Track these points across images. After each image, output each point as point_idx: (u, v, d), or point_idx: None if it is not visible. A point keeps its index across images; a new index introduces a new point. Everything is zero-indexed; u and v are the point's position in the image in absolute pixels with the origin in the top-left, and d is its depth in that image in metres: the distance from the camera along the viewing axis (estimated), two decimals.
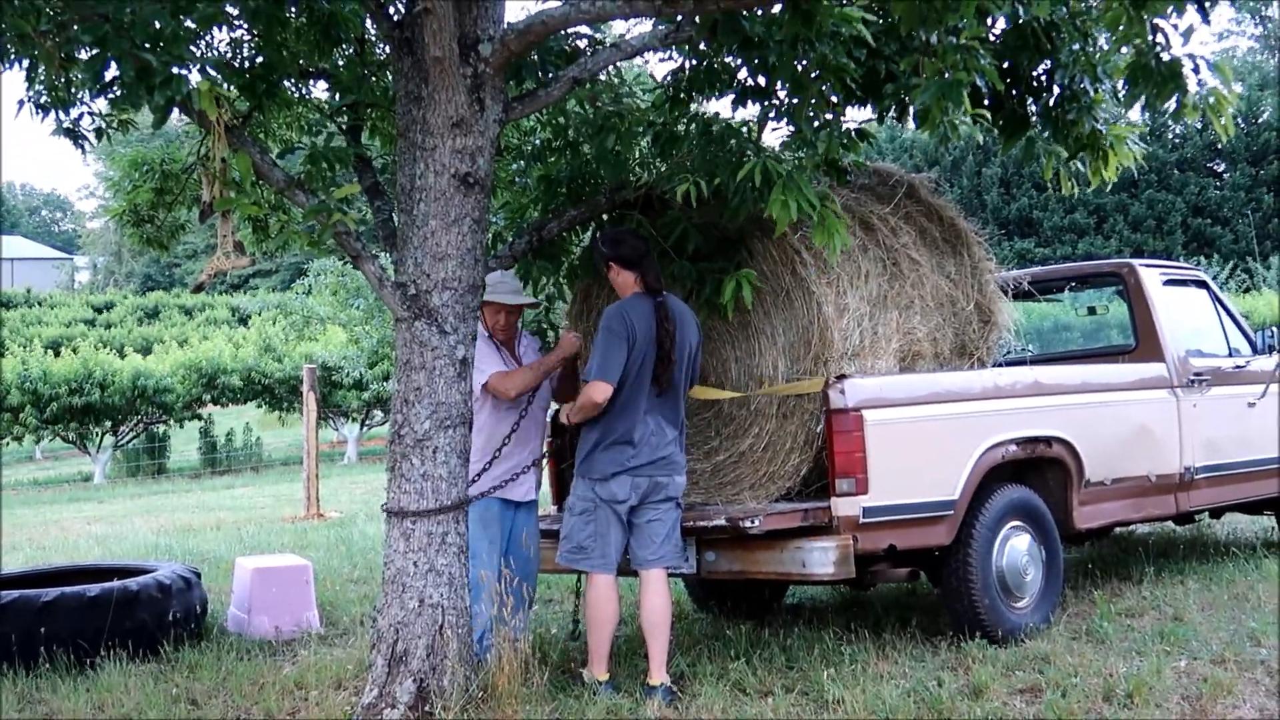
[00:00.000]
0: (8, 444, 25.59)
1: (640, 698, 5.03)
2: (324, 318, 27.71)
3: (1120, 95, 5.65)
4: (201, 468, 26.34)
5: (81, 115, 5.44)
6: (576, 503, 5.33)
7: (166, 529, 13.15)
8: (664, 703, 4.97)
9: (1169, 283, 7.44)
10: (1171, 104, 5.19)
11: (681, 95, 5.76)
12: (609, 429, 5.23)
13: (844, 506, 5.34)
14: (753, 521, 5.20)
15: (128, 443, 26.13)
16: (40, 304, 51.84)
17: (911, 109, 5.47)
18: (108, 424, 25.20)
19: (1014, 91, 5.76)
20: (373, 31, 5.91)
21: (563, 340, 5.72)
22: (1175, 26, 5.02)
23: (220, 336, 35.25)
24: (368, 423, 27.41)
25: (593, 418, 5.26)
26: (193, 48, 4.73)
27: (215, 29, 5.22)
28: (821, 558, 5.29)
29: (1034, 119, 5.86)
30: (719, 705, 4.92)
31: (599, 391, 5.16)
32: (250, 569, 7.16)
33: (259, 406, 29.26)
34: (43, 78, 5.00)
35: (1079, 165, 6.07)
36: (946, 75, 4.60)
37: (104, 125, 5.62)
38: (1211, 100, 5.32)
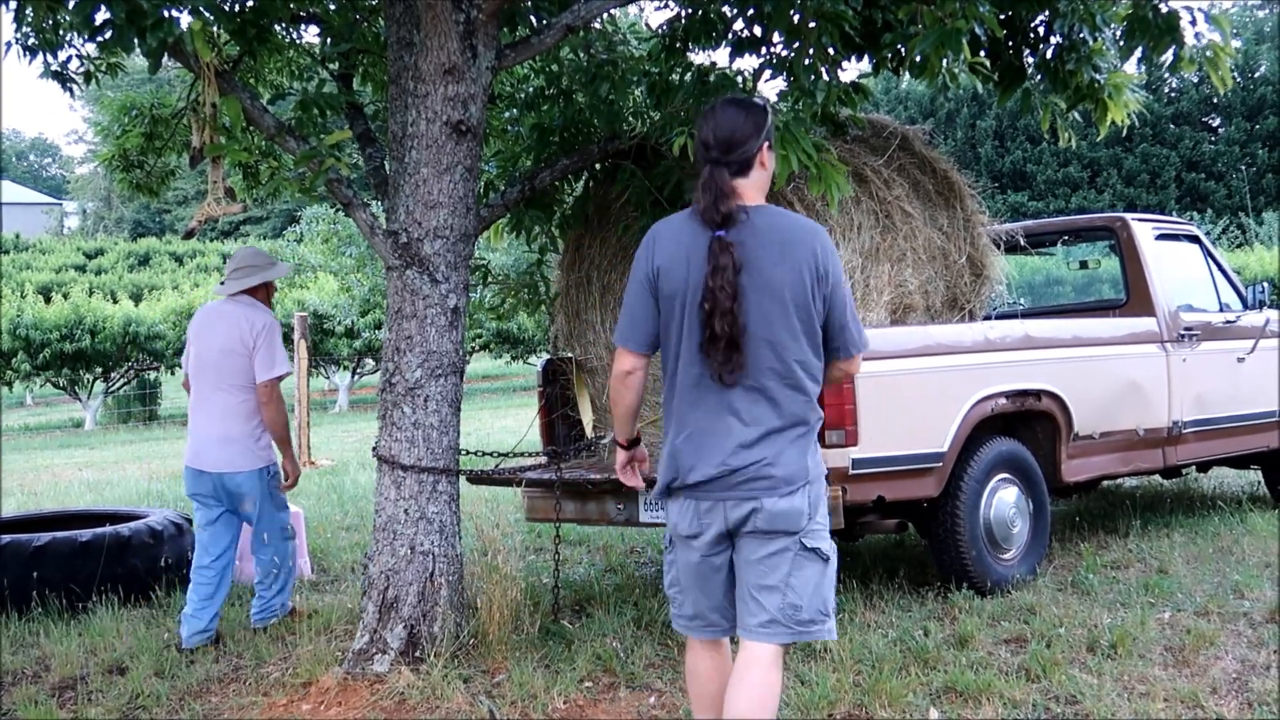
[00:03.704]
0: None
1: (630, 641, 5.05)
2: (315, 265, 27.65)
3: (1119, 45, 5.61)
4: None
5: (70, 58, 5.39)
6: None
7: (158, 475, 13.18)
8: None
9: (1161, 237, 7.44)
10: (1169, 56, 5.16)
11: (677, 45, 5.71)
12: (665, 418, 3.52)
13: (833, 458, 5.35)
14: None
15: (119, 389, 26.13)
16: (30, 249, 51.55)
17: (909, 59, 5.43)
18: (99, 370, 25.18)
19: (1010, 43, 5.71)
20: None
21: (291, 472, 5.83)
22: None
23: (212, 283, 35.10)
24: (359, 371, 27.43)
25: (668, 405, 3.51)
26: None
27: None
28: None
29: (1031, 70, 5.82)
30: None
31: (618, 361, 3.51)
32: None
33: None
34: (30, 19, 4.93)
35: (1077, 116, 6.03)
36: (945, 23, 4.55)
37: (93, 69, 5.56)
38: (1209, 54, 5.28)
